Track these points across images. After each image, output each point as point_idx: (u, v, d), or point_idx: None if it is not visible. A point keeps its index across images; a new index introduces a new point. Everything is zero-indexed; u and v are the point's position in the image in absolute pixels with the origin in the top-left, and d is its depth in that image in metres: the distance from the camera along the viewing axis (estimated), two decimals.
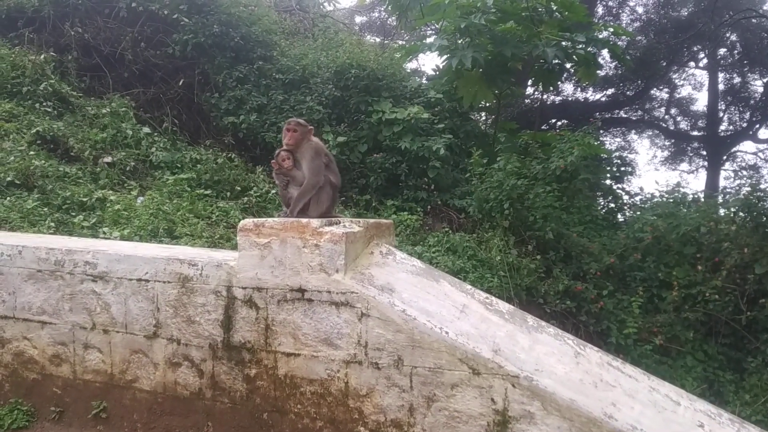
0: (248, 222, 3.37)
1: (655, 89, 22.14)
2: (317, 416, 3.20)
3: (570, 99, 21.03)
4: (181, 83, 10.37)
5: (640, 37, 19.71)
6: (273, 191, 9.00)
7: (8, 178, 6.79)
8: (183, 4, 10.35)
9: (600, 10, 20.28)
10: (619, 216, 10.11)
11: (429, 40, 11.74)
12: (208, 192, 8.42)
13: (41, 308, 3.83)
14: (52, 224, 6.20)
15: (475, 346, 2.92)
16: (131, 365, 3.63)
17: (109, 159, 8.44)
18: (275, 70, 10.73)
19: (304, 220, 3.27)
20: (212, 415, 3.44)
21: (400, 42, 17.65)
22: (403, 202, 9.58)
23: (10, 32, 10.15)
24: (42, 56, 9.48)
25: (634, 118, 22.65)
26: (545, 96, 18.56)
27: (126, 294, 3.62)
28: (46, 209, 6.54)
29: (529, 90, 16.63)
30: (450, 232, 8.73)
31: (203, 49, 10.33)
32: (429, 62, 53.10)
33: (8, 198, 6.46)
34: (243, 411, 3.37)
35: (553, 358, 2.93)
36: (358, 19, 22.99)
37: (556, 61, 10.06)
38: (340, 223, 3.36)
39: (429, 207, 9.68)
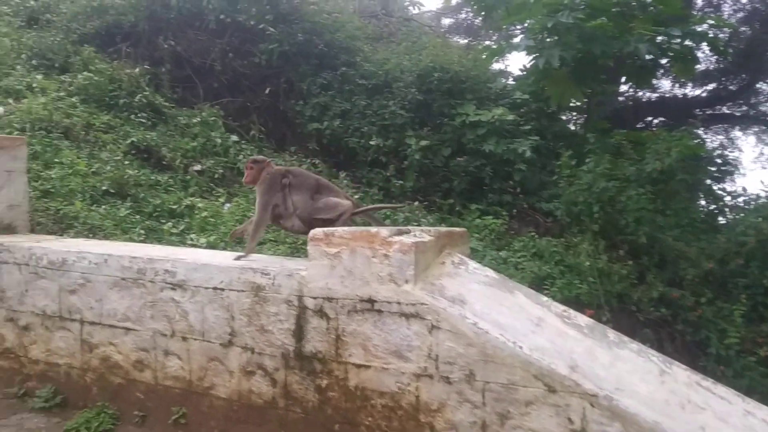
0: (318, 231, 3.34)
1: (761, 83, 20.79)
2: (388, 429, 3.13)
3: (667, 96, 20.04)
4: (267, 91, 10.60)
5: (744, 28, 18.56)
6: (356, 196, 9.03)
7: (104, 187, 7.10)
8: (269, 14, 10.57)
9: (699, 1, 19.26)
10: (719, 218, 9.52)
11: (516, 39, 11.47)
12: None
13: (125, 315, 3.95)
14: (143, 231, 6.43)
15: (550, 362, 2.77)
16: (208, 372, 3.69)
17: (198, 167, 8.71)
18: (358, 75, 10.78)
19: (373, 230, 3.21)
20: (285, 424, 3.44)
21: (488, 42, 17.39)
22: (488, 205, 9.39)
23: (109, 47, 10.66)
24: (137, 69, 9.90)
25: (738, 114, 21.33)
26: (639, 93, 17.79)
27: (203, 302, 3.67)
28: (137, 217, 6.79)
29: (623, 87, 15.98)
30: (536, 236, 8.49)
31: (288, 58, 10.51)
32: (515, 62, 52.10)
33: (103, 206, 6.75)
34: (315, 422, 3.35)
35: (635, 377, 2.74)
36: (445, 21, 22.81)
37: (650, 57, 9.60)
38: (410, 232, 3.28)
39: (514, 211, 9.45)
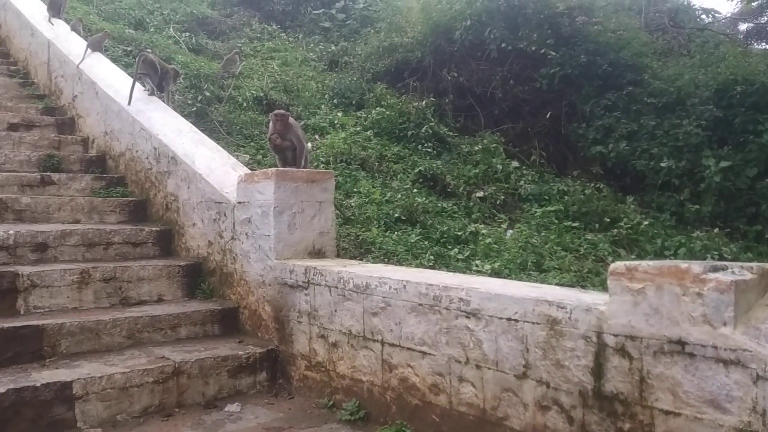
0: (620, 265, 3.17)
1: None
2: None
3: None
4: (548, 116, 10.52)
5: None
6: (645, 222, 8.51)
7: (396, 214, 7.58)
8: (550, 38, 10.53)
9: None
10: None
11: None
12: (575, 224, 8.31)
13: (422, 339, 4.14)
14: (431, 257, 6.73)
15: None
16: (501, 403, 3.69)
17: (481, 193, 8.92)
18: (646, 93, 10.24)
19: (683, 265, 2.95)
20: None
21: None
22: None
23: (398, 83, 11.48)
24: (423, 102, 10.51)
25: None
26: None
27: (496, 332, 3.69)
28: (426, 243, 7.13)
29: None
30: None
31: (570, 81, 10.34)
32: None
33: (396, 233, 7.21)
34: None
35: None
36: (743, 26, 20.61)
37: None
38: (727, 268, 2.95)
39: None
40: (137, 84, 7.34)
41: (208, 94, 9.65)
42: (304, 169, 5.50)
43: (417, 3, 13.20)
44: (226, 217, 5.79)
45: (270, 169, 5.48)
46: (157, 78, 7.53)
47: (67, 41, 9.21)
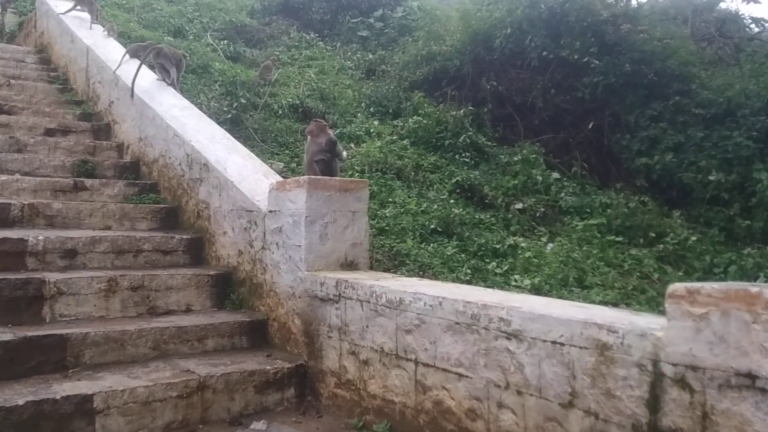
0: (679, 287, 2.88)
1: None
2: None
3: None
4: (590, 126, 10.21)
5: None
6: (693, 238, 8.14)
7: (432, 226, 7.35)
8: (593, 47, 10.22)
9: None
10: None
11: None
12: (618, 239, 7.99)
13: (458, 360, 3.89)
14: (468, 271, 6.47)
15: None
16: None
17: (520, 205, 8.65)
18: (694, 104, 9.86)
19: (753, 289, 2.66)
20: None
21: None
22: None
23: (435, 92, 11.27)
24: (461, 111, 10.27)
25: None
26: None
27: (540, 356, 3.43)
28: (463, 255, 6.87)
29: None
30: None
31: (613, 90, 10.03)
32: None
33: (432, 244, 6.98)
34: None
35: None
36: None
37: None
38: None
39: None
40: (157, 78, 7.87)
41: (243, 101, 9.56)
42: (337, 178, 5.30)
43: (456, 11, 12.99)
44: (257, 226, 5.62)
45: (302, 177, 5.29)
46: (174, 69, 7.89)
47: (105, 48, 9.20)
